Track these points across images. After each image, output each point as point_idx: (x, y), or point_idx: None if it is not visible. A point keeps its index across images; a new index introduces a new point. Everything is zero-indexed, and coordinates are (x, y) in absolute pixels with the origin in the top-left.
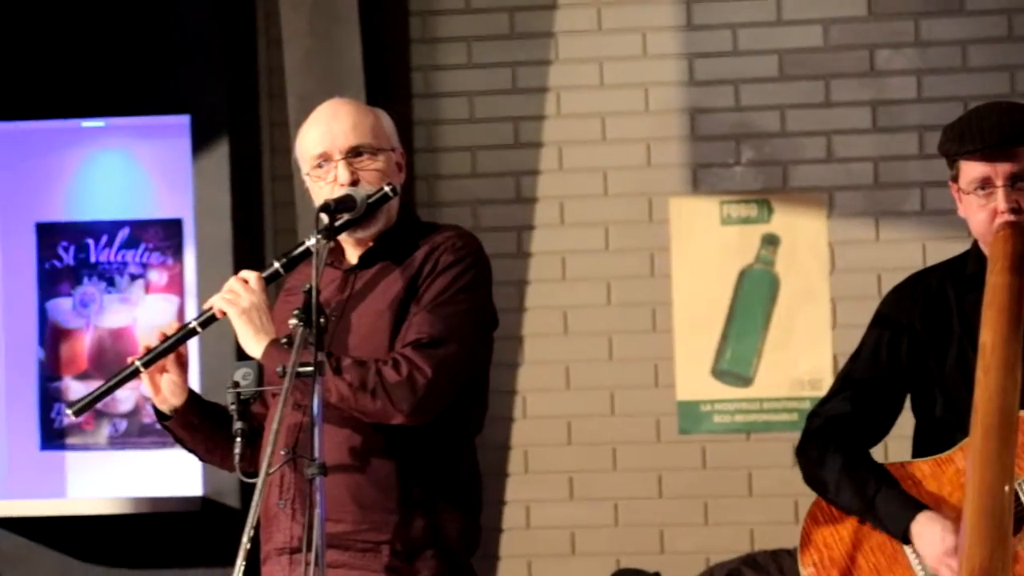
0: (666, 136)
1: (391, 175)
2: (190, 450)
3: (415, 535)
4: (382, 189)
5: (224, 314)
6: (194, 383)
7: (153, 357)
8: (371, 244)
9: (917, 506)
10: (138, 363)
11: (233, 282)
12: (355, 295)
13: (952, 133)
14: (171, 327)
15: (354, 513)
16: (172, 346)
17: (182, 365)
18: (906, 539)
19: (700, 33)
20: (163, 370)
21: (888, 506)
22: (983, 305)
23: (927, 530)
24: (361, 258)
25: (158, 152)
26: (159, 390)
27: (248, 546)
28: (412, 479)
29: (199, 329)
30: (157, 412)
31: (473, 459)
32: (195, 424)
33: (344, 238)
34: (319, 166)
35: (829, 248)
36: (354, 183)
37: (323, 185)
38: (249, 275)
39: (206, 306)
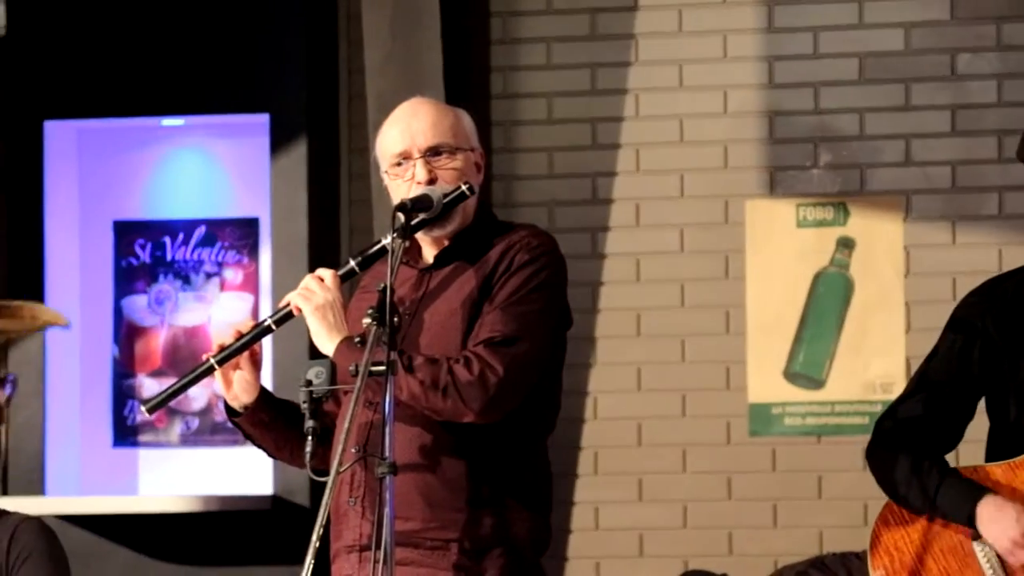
0: (744, 138)
1: (469, 175)
2: (259, 446)
3: (484, 533)
4: (459, 188)
5: (299, 311)
6: (267, 380)
7: (228, 355)
8: (447, 243)
9: (982, 490)
10: (212, 360)
11: (309, 279)
12: (429, 293)
13: None
14: (246, 325)
15: (423, 511)
16: (247, 344)
17: (256, 363)
18: (971, 523)
19: (781, 36)
20: (237, 367)
21: (951, 493)
22: None
23: (999, 513)
24: (437, 257)
25: (236, 151)
26: (231, 387)
27: (317, 544)
28: (482, 478)
29: (274, 327)
30: (228, 408)
31: (544, 459)
32: (266, 422)
33: (421, 237)
34: (398, 164)
35: (904, 252)
36: (432, 182)
37: (401, 183)
38: (325, 273)
39: (282, 303)
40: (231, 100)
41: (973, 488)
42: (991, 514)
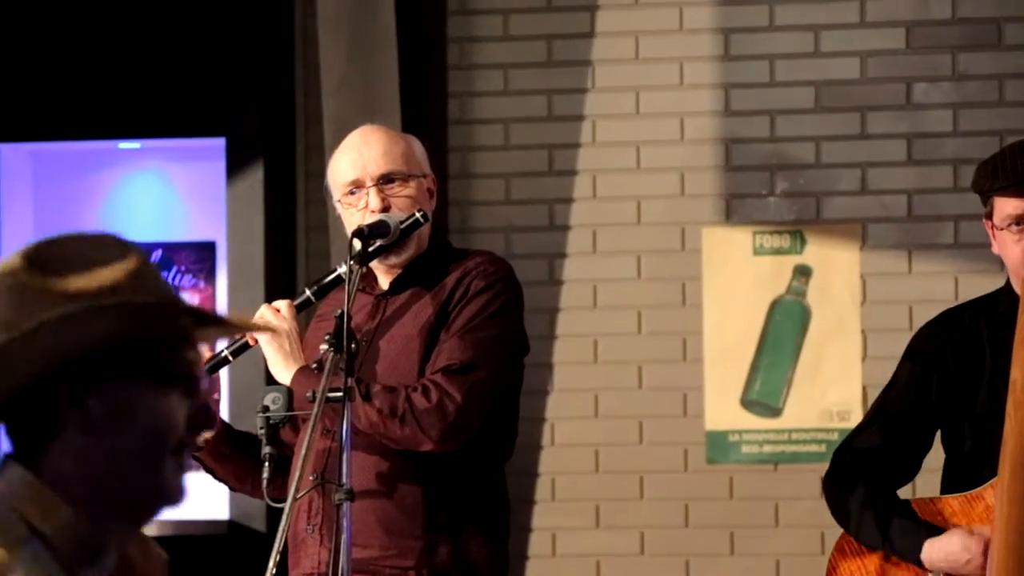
0: (701, 166)
1: (422, 201)
2: (220, 480)
3: (441, 560)
4: (413, 215)
5: (256, 341)
6: (223, 408)
7: None
8: (402, 270)
9: (927, 531)
10: None
11: (264, 310)
12: (386, 321)
13: (986, 170)
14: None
15: (381, 539)
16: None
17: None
18: (920, 564)
19: (737, 64)
20: None
21: (901, 536)
22: (1015, 342)
23: (941, 546)
24: (392, 284)
25: (193, 174)
26: None
27: (274, 572)
28: (439, 504)
29: (231, 358)
30: None
31: (502, 485)
32: (226, 455)
33: (376, 265)
34: (351, 193)
35: (861, 280)
36: (385, 210)
37: (354, 212)
38: (280, 304)
39: (237, 334)
40: (187, 123)
41: (920, 530)
42: (939, 557)
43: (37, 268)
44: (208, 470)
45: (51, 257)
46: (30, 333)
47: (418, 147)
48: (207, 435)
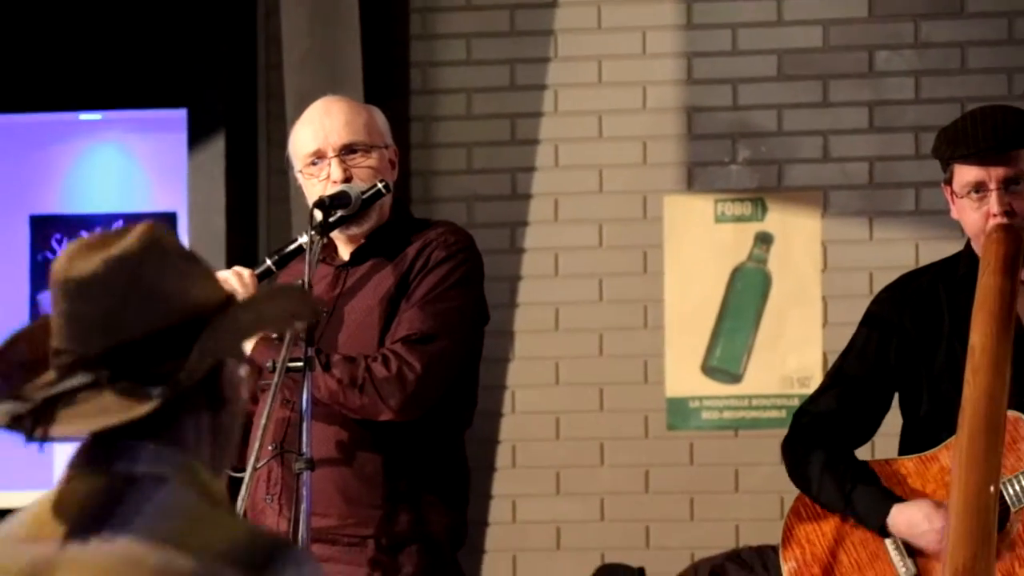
0: (662, 134)
1: (384, 172)
2: None
3: (400, 529)
4: (375, 186)
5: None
6: None
7: None
8: (363, 241)
9: (892, 499)
10: None
11: (228, 274)
12: (347, 291)
13: (946, 137)
14: None
15: (340, 508)
16: None
17: None
18: (884, 532)
19: (700, 32)
20: None
21: (864, 501)
22: (974, 307)
23: (910, 522)
24: (353, 254)
25: (154, 146)
26: None
27: None
28: (398, 474)
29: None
30: None
31: (461, 454)
32: None
33: (337, 235)
34: (312, 164)
35: (822, 247)
36: (347, 180)
37: (316, 183)
38: (242, 271)
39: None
40: (149, 95)
41: (885, 496)
42: (903, 524)
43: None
44: None
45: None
46: (247, 304)
47: (380, 118)
48: None
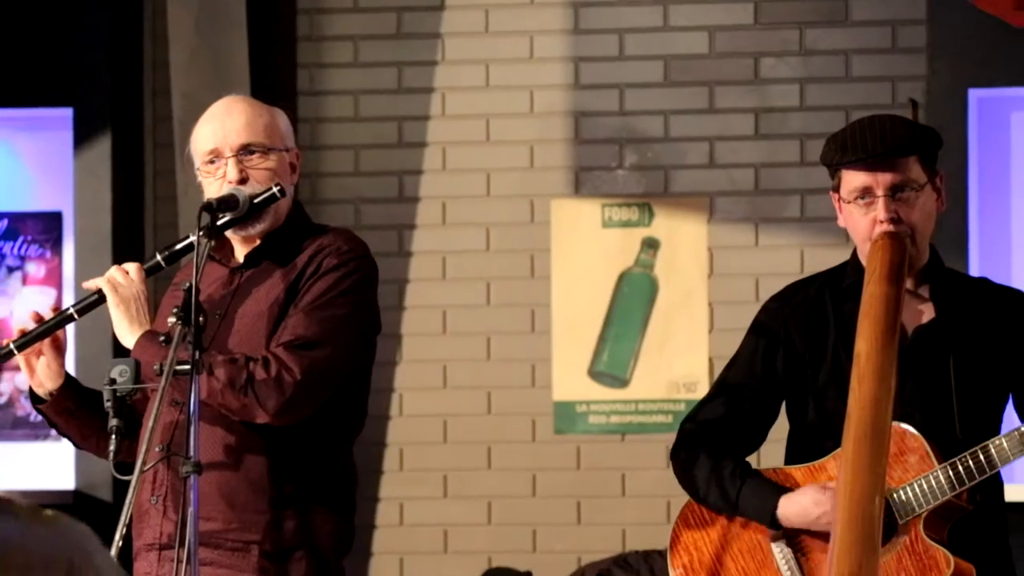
0: (550, 139)
1: (282, 175)
2: (64, 434)
3: (286, 536)
4: (270, 189)
5: (102, 295)
6: (70, 368)
7: (28, 340)
8: (259, 242)
9: (779, 491)
10: (12, 345)
11: (114, 270)
12: (239, 293)
13: (835, 143)
14: (47, 311)
15: (224, 512)
16: (48, 330)
17: (58, 349)
18: (774, 521)
19: (587, 37)
20: (39, 353)
21: (752, 498)
22: (859, 314)
23: (798, 504)
24: (247, 257)
25: (39, 144)
26: (34, 373)
27: (120, 543)
28: (285, 479)
29: (76, 316)
30: (32, 396)
31: (349, 461)
32: (71, 410)
33: (231, 235)
34: (211, 162)
35: (708, 252)
36: (243, 181)
37: (213, 181)
38: (130, 266)
39: (88, 285)
40: (34, 93)
41: (773, 489)
42: (795, 515)
43: None
44: (52, 424)
45: None
46: None
47: (283, 121)
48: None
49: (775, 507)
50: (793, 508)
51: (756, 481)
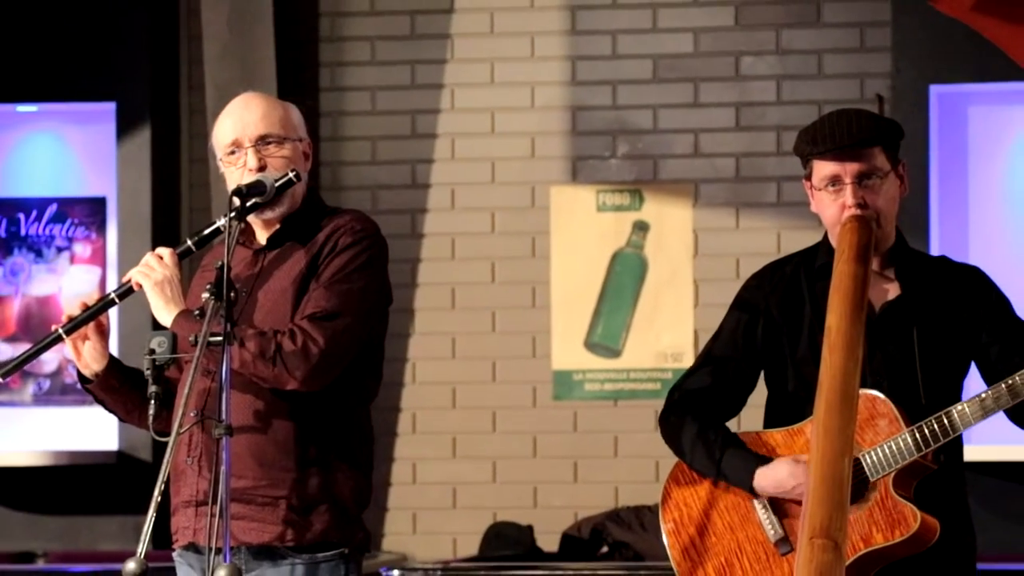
0: (549, 131)
1: (297, 162)
2: (110, 411)
3: (311, 491)
4: (287, 174)
5: (139, 286)
6: (113, 350)
7: (75, 325)
8: (279, 226)
9: (758, 461)
10: (60, 330)
11: (149, 257)
12: (263, 273)
13: (806, 136)
14: (91, 298)
15: (254, 470)
16: (92, 315)
17: (102, 333)
18: (753, 492)
19: (583, 38)
20: (85, 337)
21: (732, 466)
22: (830, 291)
23: (773, 477)
24: (269, 239)
25: (86, 135)
26: (81, 356)
27: (159, 499)
28: (309, 440)
29: (117, 300)
30: (80, 376)
31: (367, 423)
32: (115, 387)
33: (254, 220)
34: (231, 153)
35: (693, 234)
36: (261, 169)
37: (234, 171)
38: (164, 251)
39: (124, 279)
40: (81, 89)
41: (751, 460)
42: (770, 486)
43: None
44: (99, 401)
45: None
46: None
47: (295, 113)
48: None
49: (752, 478)
50: (769, 480)
51: (736, 451)
